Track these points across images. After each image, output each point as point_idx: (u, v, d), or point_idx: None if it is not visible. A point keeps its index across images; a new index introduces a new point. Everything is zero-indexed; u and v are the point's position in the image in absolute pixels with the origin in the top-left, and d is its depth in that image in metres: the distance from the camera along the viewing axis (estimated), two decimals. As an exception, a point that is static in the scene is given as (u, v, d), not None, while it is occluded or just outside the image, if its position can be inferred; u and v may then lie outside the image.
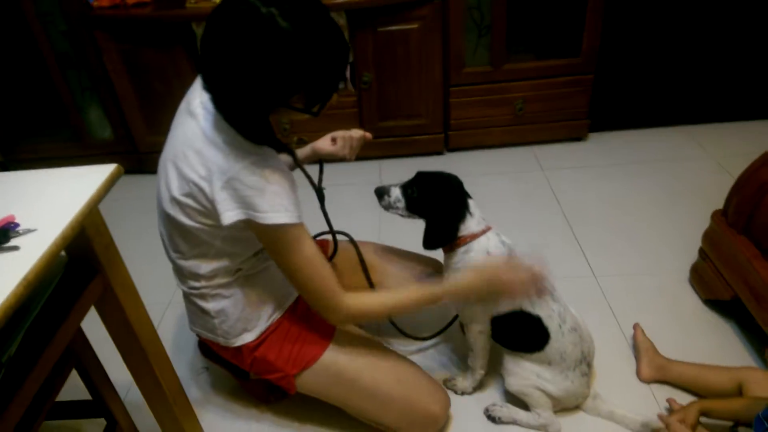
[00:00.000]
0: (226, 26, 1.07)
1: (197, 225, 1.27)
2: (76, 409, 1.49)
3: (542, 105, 2.89)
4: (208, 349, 1.60)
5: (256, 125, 1.20)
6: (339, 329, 1.52)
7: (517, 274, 1.36)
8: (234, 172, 1.17)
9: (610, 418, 1.59)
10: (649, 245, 2.27)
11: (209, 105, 1.20)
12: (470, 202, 1.51)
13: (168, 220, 1.32)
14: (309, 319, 1.49)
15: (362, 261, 1.63)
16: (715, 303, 1.93)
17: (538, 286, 1.40)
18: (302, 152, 1.62)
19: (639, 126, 3.09)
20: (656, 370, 1.70)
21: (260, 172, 1.18)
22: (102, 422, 1.48)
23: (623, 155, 2.90)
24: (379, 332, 1.94)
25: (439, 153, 3.03)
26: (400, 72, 2.75)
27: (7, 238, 0.94)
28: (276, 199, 1.19)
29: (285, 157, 1.54)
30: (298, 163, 1.51)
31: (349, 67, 2.76)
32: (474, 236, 1.48)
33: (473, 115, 2.91)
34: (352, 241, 1.70)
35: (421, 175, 1.54)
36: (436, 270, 1.69)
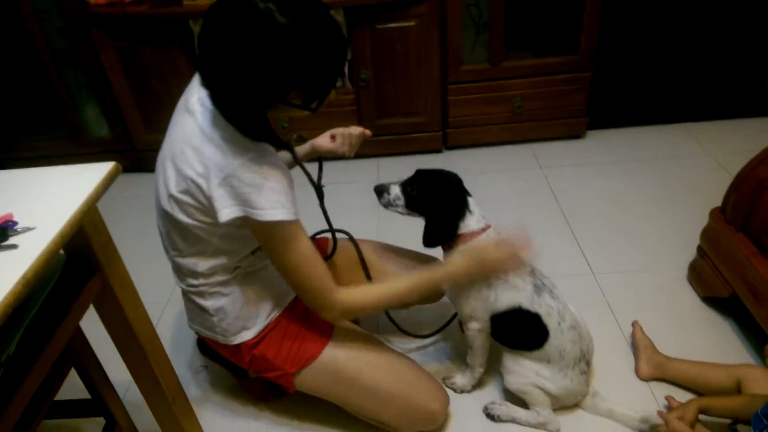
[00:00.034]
0: (224, 22, 1.06)
1: (195, 222, 1.27)
2: (75, 408, 1.49)
3: (541, 102, 2.88)
4: (207, 347, 1.60)
5: (254, 122, 1.20)
6: (338, 327, 1.52)
7: (504, 250, 1.41)
8: (231, 169, 1.17)
9: (609, 416, 1.60)
10: (648, 243, 2.27)
11: (207, 102, 1.20)
12: (470, 200, 1.51)
13: (166, 218, 1.32)
14: (308, 317, 1.48)
15: (362, 260, 1.63)
16: (714, 300, 1.93)
17: (523, 256, 1.43)
18: (301, 150, 1.62)
19: (637, 123, 3.09)
20: (655, 368, 1.70)
21: (258, 169, 1.18)
22: (101, 421, 1.48)
23: (622, 153, 2.90)
24: (379, 330, 1.94)
25: (438, 151, 3.03)
26: (399, 69, 2.75)
27: (6, 237, 0.93)
28: (273, 196, 1.19)
29: (284, 155, 1.54)
30: (297, 161, 1.51)
31: (347, 65, 2.75)
32: (473, 234, 1.48)
33: (471, 112, 2.91)
34: (351, 239, 1.69)
35: (420, 173, 1.54)
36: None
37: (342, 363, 1.47)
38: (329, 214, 1.55)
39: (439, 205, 1.49)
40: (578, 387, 1.56)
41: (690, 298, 1.99)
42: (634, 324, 1.82)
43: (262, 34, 1.04)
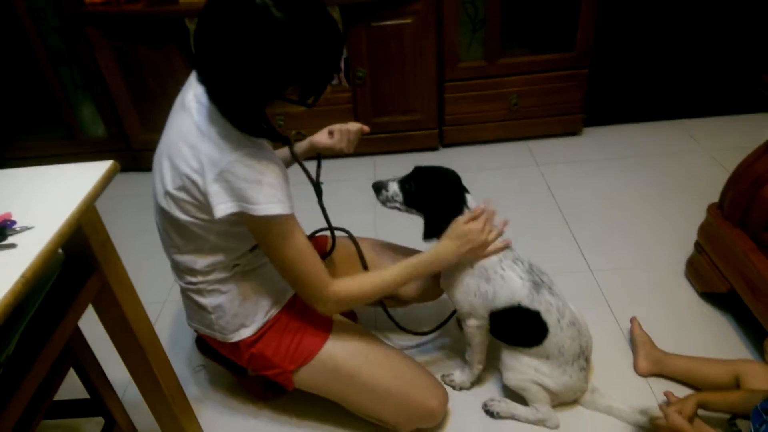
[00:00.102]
0: (220, 17, 1.06)
1: (191, 219, 1.27)
2: (74, 408, 1.49)
3: (537, 100, 2.89)
4: (206, 345, 1.60)
5: (252, 117, 1.20)
6: (337, 325, 1.52)
7: (488, 228, 1.46)
8: (226, 164, 1.17)
9: (608, 412, 1.60)
10: (645, 239, 2.28)
11: (203, 98, 1.20)
12: (468, 196, 1.51)
13: (163, 215, 1.32)
14: (306, 315, 1.48)
15: (362, 258, 1.63)
16: (711, 296, 1.94)
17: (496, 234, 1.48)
18: (300, 147, 1.61)
19: (634, 120, 3.10)
20: (653, 364, 1.70)
21: (253, 164, 1.18)
22: (100, 421, 1.48)
23: (618, 149, 2.90)
24: (377, 327, 1.94)
25: (434, 148, 3.03)
26: (395, 67, 2.75)
27: (4, 236, 0.93)
28: (269, 191, 1.19)
29: (282, 154, 1.54)
30: (295, 158, 1.51)
31: (343, 62, 2.75)
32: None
33: (468, 110, 2.91)
34: (351, 237, 1.69)
35: (418, 170, 1.54)
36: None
37: (341, 360, 1.47)
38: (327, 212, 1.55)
39: (437, 201, 1.49)
40: (577, 383, 1.56)
41: (688, 294, 1.99)
42: (633, 320, 1.83)
43: (258, 29, 1.04)
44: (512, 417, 1.62)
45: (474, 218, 1.45)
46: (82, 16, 2.61)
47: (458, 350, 1.81)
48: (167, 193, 1.26)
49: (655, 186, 2.59)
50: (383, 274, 1.43)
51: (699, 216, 1.94)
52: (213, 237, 1.30)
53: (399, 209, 1.56)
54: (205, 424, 1.65)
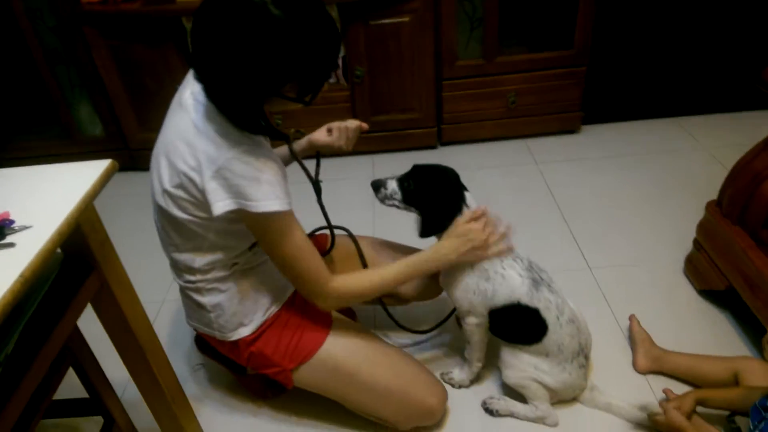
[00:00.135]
0: (217, 14, 1.06)
1: (189, 217, 1.26)
2: (74, 408, 1.48)
3: (535, 98, 2.89)
4: (205, 344, 1.59)
5: (250, 115, 1.20)
6: (336, 323, 1.52)
7: (488, 228, 1.45)
8: (224, 162, 1.17)
9: (607, 409, 1.60)
10: (643, 236, 2.28)
11: (200, 96, 1.20)
12: (467, 194, 1.50)
13: (161, 213, 1.31)
14: (306, 313, 1.48)
15: (362, 256, 1.63)
16: (710, 293, 1.94)
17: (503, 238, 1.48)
18: (298, 145, 1.61)
19: (632, 118, 3.10)
20: (652, 361, 1.70)
21: (251, 161, 1.18)
22: (99, 420, 1.47)
23: (616, 147, 2.90)
24: (377, 326, 1.94)
25: (432, 147, 3.03)
26: (393, 66, 2.75)
27: (3, 235, 0.93)
28: (267, 188, 1.19)
29: (281, 152, 1.54)
30: (294, 155, 1.51)
31: (341, 61, 2.75)
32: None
33: (466, 108, 2.91)
34: (350, 235, 1.69)
35: (417, 168, 1.53)
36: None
37: (340, 359, 1.47)
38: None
39: (436, 199, 1.49)
40: (576, 381, 1.57)
41: (686, 291, 1.99)
42: (631, 318, 1.83)
43: (256, 27, 1.05)
44: (511, 415, 1.62)
45: (475, 218, 1.45)
46: (79, 16, 2.61)
47: (457, 348, 1.81)
48: (165, 192, 1.26)
49: (654, 184, 2.59)
50: (383, 272, 1.43)
51: (698, 213, 1.94)
52: (212, 235, 1.30)
53: (398, 207, 1.55)
54: (205, 422, 1.64)
